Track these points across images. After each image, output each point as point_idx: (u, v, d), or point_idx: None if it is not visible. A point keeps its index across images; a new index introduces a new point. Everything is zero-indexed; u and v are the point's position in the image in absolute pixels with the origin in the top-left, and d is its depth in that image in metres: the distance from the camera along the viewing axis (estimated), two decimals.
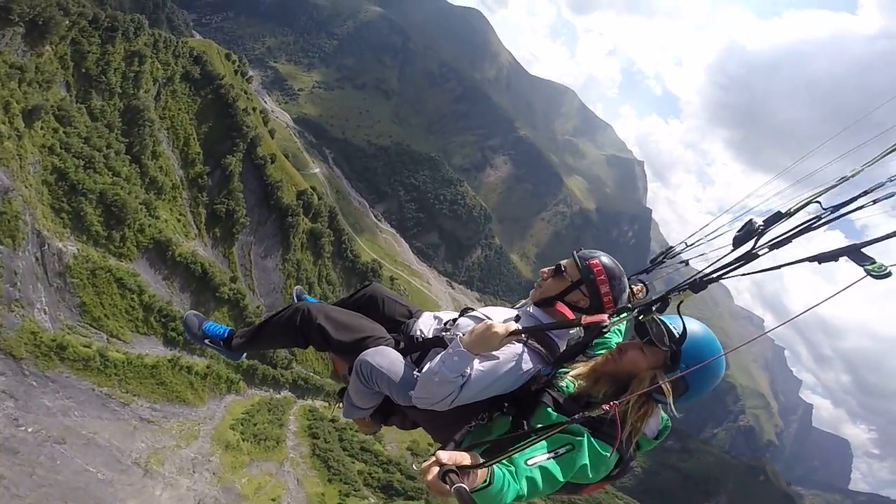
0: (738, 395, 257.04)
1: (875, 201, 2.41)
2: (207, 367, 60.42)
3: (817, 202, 2.51)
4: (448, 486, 1.96)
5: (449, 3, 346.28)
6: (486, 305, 3.95)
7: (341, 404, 3.95)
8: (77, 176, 52.46)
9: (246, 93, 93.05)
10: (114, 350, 49.95)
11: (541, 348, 3.20)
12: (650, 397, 2.86)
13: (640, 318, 2.88)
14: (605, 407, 2.42)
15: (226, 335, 4.11)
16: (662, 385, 2.73)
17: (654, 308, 2.79)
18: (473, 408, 3.09)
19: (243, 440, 58.41)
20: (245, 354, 4.27)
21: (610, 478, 2.86)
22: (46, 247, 47.84)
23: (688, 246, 4.03)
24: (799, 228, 2.41)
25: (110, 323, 52.17)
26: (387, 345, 3.50)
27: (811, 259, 2.22)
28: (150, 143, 64.52)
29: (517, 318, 3.33)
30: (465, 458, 2.09)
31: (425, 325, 3.68)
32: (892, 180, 2.47)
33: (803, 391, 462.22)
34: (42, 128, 51.40)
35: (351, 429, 74.22)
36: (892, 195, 2.39)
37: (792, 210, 2.50)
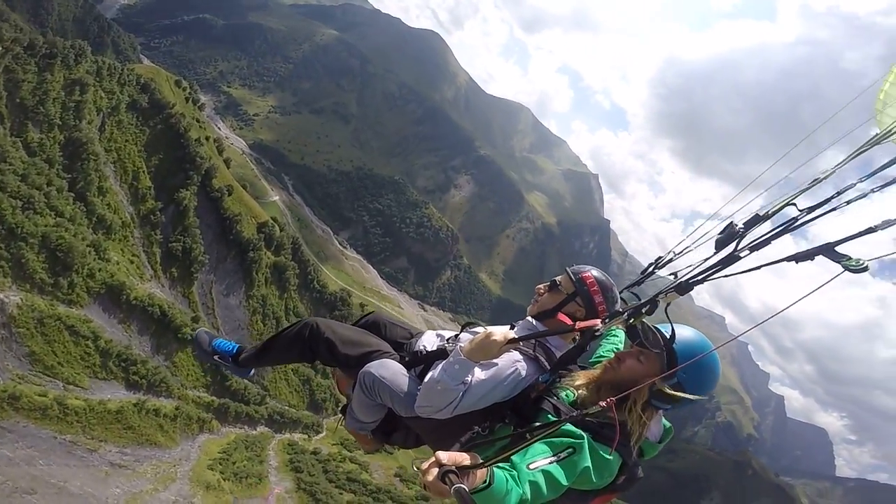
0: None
1: (848, 202, 2.42)
2: (176, 409, 57.88)
3: (793, 204, 2.59)
4: (448, 487, 1.96)
5: (407, 25, 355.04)
6: (460, 325, 4.02)
7: (343, 419, 4.01)
8: (15, 218, 48.23)
9: (198, 121, 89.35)
10: (72, 397, 47.64)
11: (538, 356, 3.30)
12: (650, 403, 2.88)
13: (632, 321, 2.91)
14: (602, 404, 2.58)
15: (234, 351, 4.33)
16: (665, 391, 2.80)
17: (643, 310, 2.82)
18: (474, 416, 3.14)
19: (224, 479, 56.52)
20: (253, 371, 4.48)
21: (616, 487, 2.88)
22: None
23: (676, 255, 3.78)
24: (777, 230, 2.52)
25: (65, 370, 49.41)
26: (391, 358, 3.59)
27: (789, 259, 2.38)
28: (96, 179, 60.30)
29: (512, 328, 3.46)
30: (464, 459, 2.10)
31: (428, 341, 3.80)
32: (862, 180, 2.46)
33: (772, 384, 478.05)
34: None
35: (334, 459, 73.19)
36: (864, 195, 2.39)
37: (770, 212, 2.62)
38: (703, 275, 2.62)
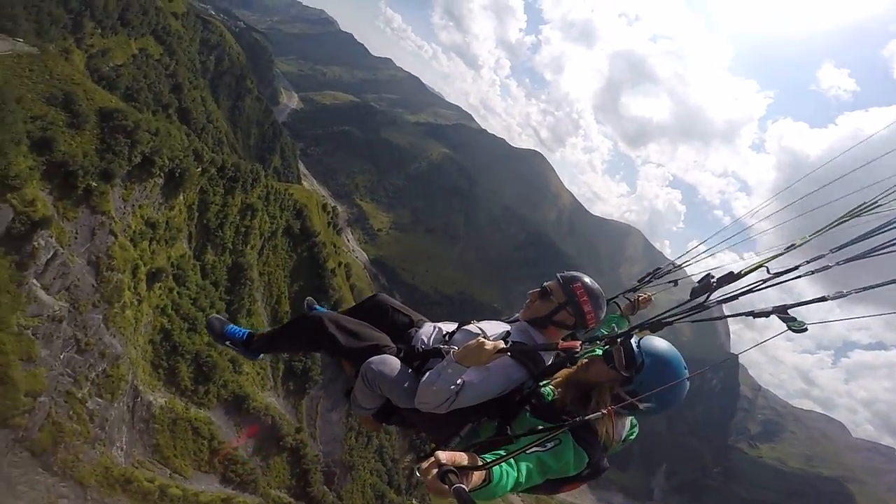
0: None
1: (814, 272, 2.66)
2: None
3: (765, 267, 2.87)
4: (447, 487, 1.98)
5: (510, 145, 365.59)
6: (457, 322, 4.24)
7: (349, 403, 4.25)
8: (180, 338, 55.06)
9: (335, 246, 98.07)
10: (174, 486, 50.36)
11: (528, 362, 3.52)
12: (617, 411, 3.08)
13: (608, 347, 3.24)
14: (604, 411, 2.84)
15: (244, 337, 4.61)
16: (622, 396, 3.12)
17: (618, 341, 3.14)
18: (467, 411, 3.47)
19: None
20: (262, 355, 4.71)
21: (582, 477, 3.13)
22: (139, 398, 50.34)
23: (675, 267, 4.61)
24: (744, 289, 2.84)
25: (176, 461, 53.17)
26: (390, 353, 3.83)
27: (747, 314, 2.74)
28: (248, 303, 67.60)
29: (507, 334, 3.61)
30: (463, 459, 2.18)
31: (426, 334, 4.05)
32: (833, 251, 2.68)
33: None
34: (160, 288, 54.79)
35: None
36: (828, 268, 2.59)
37: (743, 272, 2.95)
38: (673, 318, 3.02)
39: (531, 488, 3.02)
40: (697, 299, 3.07)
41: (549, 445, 2.88)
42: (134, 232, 49.86)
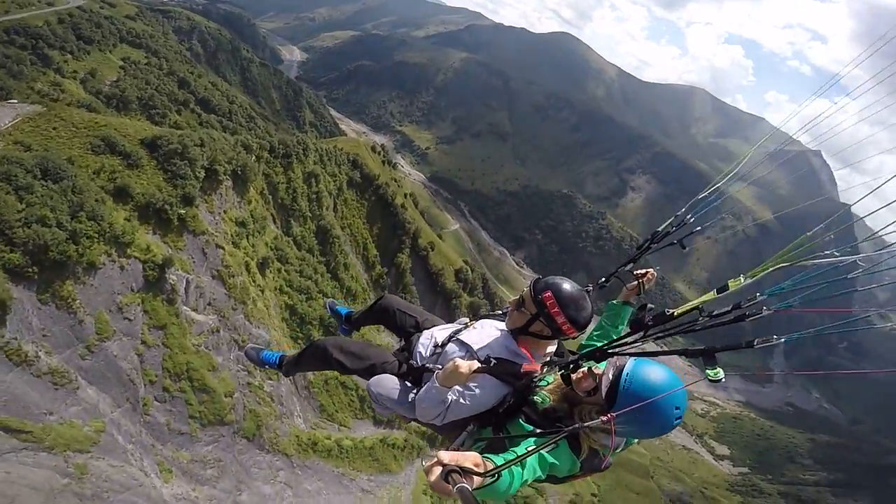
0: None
1: (746, 316, 2.68)
2: (405, 440, 66.27)
3: (699, 309, 2.88)
4: (451, 486, 2.04)
5: (533, 33, 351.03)
6: (468, 318, 4.47)
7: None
8: (303, 309, 61.30)
9: (395, 181, 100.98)
10: (345, 437, 57.94)
11: (509, 378, 3.56)
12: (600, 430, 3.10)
13: (562, 372, 3.38)
14: (603, 418, 2.79)
15: (277, 361, 5.11)
16: (599, 420, 2.85)
17: (570, 366, 3.32)
18: (464, 420, 3.69)
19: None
20: (293, 372, 5.19)
21: (577, 475, 3.34)
22: None
23: (676, 228, 4.47)
24: (676, 330, 2.96)
25: (339, 415, 60.51)
26: (390, 370, 4.13)
27: (679, 353, 2.95)
28: (342, 258, 72.81)
29: (488, 359, 3.67)
30: (466, 459, 2.20)
31: (423, 345, 4.18)
32: (769, 296, 2.75)
33: None
34: (271, 272, 60.30)
35: None
36: (759, 315, 2.62)
37: (676, 313, 2.92)
38: (612, 349, 3.06)
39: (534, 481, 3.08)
40: (637, 335, 3.05)
41: (549, 447, 2.98)
42: (232, 236, 53.86)
